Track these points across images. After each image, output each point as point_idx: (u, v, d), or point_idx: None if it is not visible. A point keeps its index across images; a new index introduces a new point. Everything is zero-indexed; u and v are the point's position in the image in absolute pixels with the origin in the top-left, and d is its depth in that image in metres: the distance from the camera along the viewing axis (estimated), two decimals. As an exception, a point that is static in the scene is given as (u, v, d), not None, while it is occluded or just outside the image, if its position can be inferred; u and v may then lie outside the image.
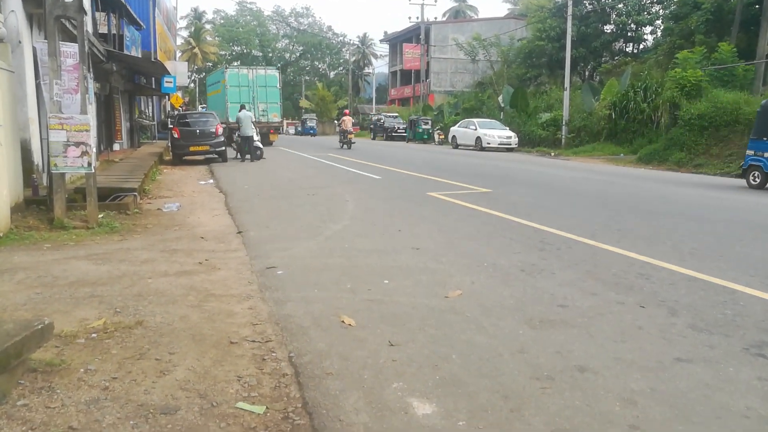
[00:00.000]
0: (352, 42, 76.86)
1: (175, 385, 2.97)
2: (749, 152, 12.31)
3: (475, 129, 27.84)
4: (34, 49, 8.21)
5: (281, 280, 4.94)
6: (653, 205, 9.31)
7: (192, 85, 59.59)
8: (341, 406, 2.81)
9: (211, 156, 18.36)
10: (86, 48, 7.54)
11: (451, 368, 3.22)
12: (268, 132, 25.40)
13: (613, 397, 2.91)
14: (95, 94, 13.26)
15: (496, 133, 27.07)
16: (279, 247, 6.20)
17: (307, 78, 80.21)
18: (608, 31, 35.34)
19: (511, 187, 11.76)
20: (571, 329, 3.81)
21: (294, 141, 37.60)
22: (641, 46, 36.52)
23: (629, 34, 35.58)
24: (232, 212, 8.60)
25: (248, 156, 18.34)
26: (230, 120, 21.78)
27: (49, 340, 3.20)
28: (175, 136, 17.85)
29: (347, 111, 32.30)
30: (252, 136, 18.33)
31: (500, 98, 34.24)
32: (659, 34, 34.00)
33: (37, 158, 9.00)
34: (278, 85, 26.83)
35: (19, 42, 8.47)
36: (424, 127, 37.13)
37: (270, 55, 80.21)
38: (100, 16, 17.04)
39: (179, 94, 33.63)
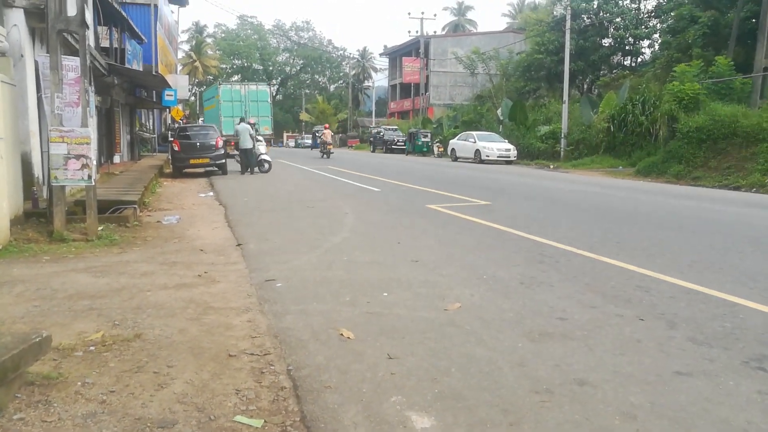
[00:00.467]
0: (352, 56, 77.38)
1: (173, 399, 2.96)
2: None
3: (474, 142, 27.94)
4: (36, 63, 8.27)
5: (280, 292, 4.94)
6: (652, 218, 9.32)
7: (193, 98, 59.88)
8: (340, 419, 2.80)
9: (211, 168, 18.40)
10: (88, 62, 7.60)
11: (450, 381, 3.21)
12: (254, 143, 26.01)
13: (613, 410, 2.90)
14: (96, 107, 13.33)
15: (495, 145, 27.16)
16: (278, 259, 6.20)
17: (307, 91, 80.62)
18: (606, 45, 35.58)
19: (510, 199, 11.77)
20: (570, 342, 3.80)
21: (293, 154, 37.68)
22: (639, 60, 36.75)
23: (627, 47, 35.83)
24: (232, 225, 8.60)
25: (255, 169, 18.38)
26: (223, 133, 21.95)
27: (46, 353, 3.19)
28: (176, 148, 17.91)
29: (327, 125, 36.45)
30: (251, 149, 18.39)
31: (499, 111, 34.40)
32: (657, 47, 34.21)
33: (37, 171, 9.02)
34: (269, 100, 28.68)
35: (22, 56, 8.53)
36: (423, 139, 37.27)
37: (270, 68, 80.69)
38: (102, 30, 17.15)
39: (180, 107, 33.74)
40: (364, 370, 3.36)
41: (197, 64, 66.71)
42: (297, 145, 58.86)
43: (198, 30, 76.79)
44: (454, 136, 32.50)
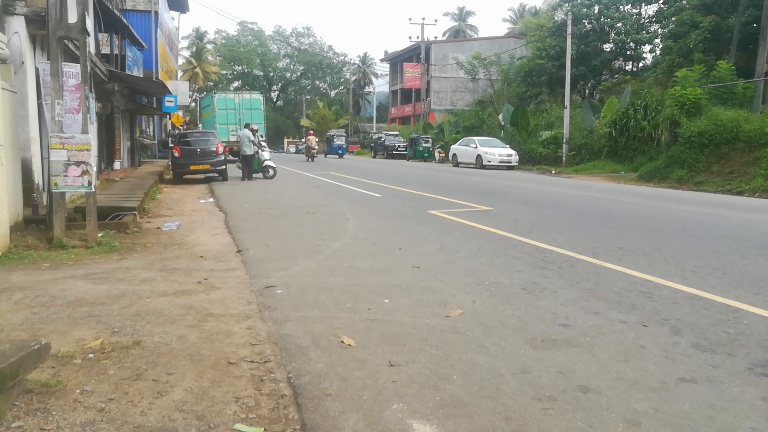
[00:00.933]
0: (352, 61, 77.63)
1: (172, 407, 2.93)
2: None
3: (476, 147, 27.95)
4: (37, 70, 8.27)
5: (280, 299, 4.91)
6: (655, 223, 9.29)
7: (193, 104, 60.02)
8: (340, 427, 2.77)
9: (211, 175, 18.41)
10: (88, 68, 7.60)
11: (452, 389, 3.18)
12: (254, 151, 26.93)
13: (617, 417, 2.86)
14: (97, 113, 13.34)
15: (497, 151, 27.17)
16: (278, 266, 6.17)
17: (308, 97, 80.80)
18: (607, 50, 35.67)
19: (512, 205, 11.75)
20: (573, 349, 3.77)
21: (294, 159, 37.71)
22: (640, 65, 36.83)
23: (628, 52, 35.91)
24: (232, 231, 8.59)
25: (260, 174, 18.41)
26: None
27: (45, 360, 3.16)
28: (176, 154, 17.91)
29: (311, 132, 41.36)
30: (251, 155, 18.41)
31: (500, 116, 34.45)
32: (658, 52, 34.27)
33: (37, 177, 9.02)
34: (262, 108, 30.17)
35: (22, 63, 8.55)
36: (424, 145, 37.33)
37: (271, 74, 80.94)
38: (103, 36, 17.21)
39: (180, 113, 33.84)
40: (365, 377, 3.33)
41: (198, 70, 66.87)
42: (297, 151, 58.94)
43: (198, 36, 77.04)
44: (455, 141, 32.54)
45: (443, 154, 34.51)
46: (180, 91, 31.48)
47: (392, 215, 10.15)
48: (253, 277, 5.70)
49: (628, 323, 4.27)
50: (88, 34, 8.15)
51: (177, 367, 3.42)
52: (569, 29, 27.39)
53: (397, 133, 46.31)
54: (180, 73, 51.53)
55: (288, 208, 11.26)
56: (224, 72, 75.51)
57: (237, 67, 78.40)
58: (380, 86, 74.07)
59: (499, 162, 26.59)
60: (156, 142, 33.74)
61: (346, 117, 70.20)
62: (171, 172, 19.42)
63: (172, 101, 25.07)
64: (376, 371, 3.41)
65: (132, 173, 18.68)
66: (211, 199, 13.20)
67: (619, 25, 34.28)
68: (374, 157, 44.00)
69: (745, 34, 24.65)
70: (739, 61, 23.56)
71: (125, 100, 20.62)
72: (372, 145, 47.60)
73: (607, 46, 35.66)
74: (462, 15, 72.62)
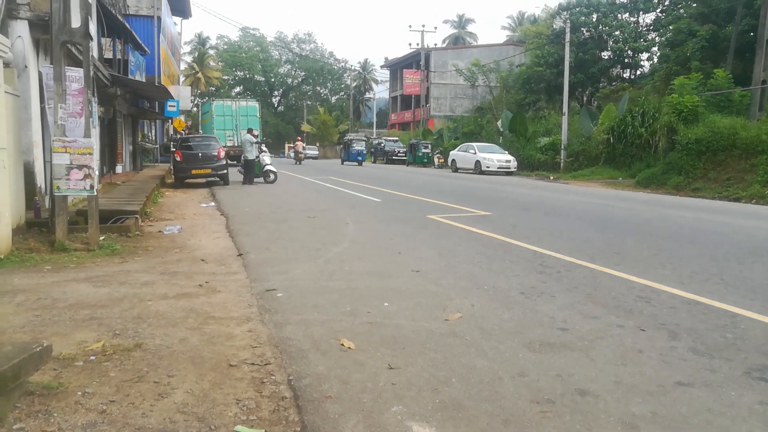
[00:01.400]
0: (353, 68, 77.77)
1: (173, 409, 2.96)
2: None
3: (475, 153, 28.04)
4: (40, 74, 8.33)
5: (281, 302, 4.94)
6: (652, 229, 9.33)
7: (195, 109, 60.13)
8: (340, 429, 2.80)
9: (212, 179, 18.45)
10: (91, 73, 7.65)
11: (451, 392, 3.20)
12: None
13: (615, 421, 2.89)
14: (99, 117, 13.40)
15: (496, 156, 27.25)
16: (279, 269, 6.20)
17: (308, 103, 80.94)
18: (605, 58, 35.83)
19: (511, 210, 11.79)
20: (571, 352, 3.79)
21: (293, 164, 37.75)
22: (638, 72, 36.96)
23: (626, 60, 36.06)
24: (233, 235, 8.61)
25: (261, 179, 18.47)
26: None
27: (47, 362, 3.19)
28: (178, 159, 17.97)
29: (299, 138, 43.45)
30: (253, 160, 18.47)
31: (499, 123, 34.57)
32: (656, 60, 34.42)
33: (40, 181, 9.05)
34: (258, 115, 31.54)
35: (25, 66, 8.60)
36: (423, 150, 37.42)
37: (272, 80, 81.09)
38: (106, 41, 17.29)
39: (182, 117, 33.92)
40: (365, 380, 3.35)
41: (200, 75, 67.06)
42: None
43: (201, 42, 77.22)
44: (454, 147, 32.64)
45: (442, 160, 34.60)
46: (182, 95, 31.59)
47: (392, 220, 10.19)
48: (253, 280, 5.73)
49: (625, 328, 4.30)
50: (92, 39, 8.21)
51: (178, 370, 3.44)
52: (568, 37, 27.53)
53: (396, 138, 46.43)
54: (182, 78, 51.74)
55: (289, 213, 11.29)
56: (226, 77, 75.67)
57: (239, 73, 78.59)
58: (380, 92, 74.31)
59: (498, 168, 26.66)
60: (158, 146, 33.80)
61: (347, 123, 70.30)
62: (173, 176, 19.46)
63: (174, 106, 25.16)
64: (376, 374, 3.44)
65: (134, 177, 18.71)
66: (213, 203, 13.23)
67: (617, 33, 34.45)
68: (374, 162, 44.06)
69: (741, 42, 24.78)
70: (735, 69, 23.68)
71: (128, 104, 20.69)
72: (372, 150, 47.69)
73: (605, 54, 35.82)
74: (461, 22, 72.90)
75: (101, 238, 7.53)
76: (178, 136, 29.33)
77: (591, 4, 35.05)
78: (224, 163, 18.13)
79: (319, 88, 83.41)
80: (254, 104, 32.59)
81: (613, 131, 23.61)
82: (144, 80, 20.92)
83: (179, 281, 5.66)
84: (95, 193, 7.40)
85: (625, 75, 37.46)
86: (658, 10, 34.67)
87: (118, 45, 17.86)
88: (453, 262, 6.62)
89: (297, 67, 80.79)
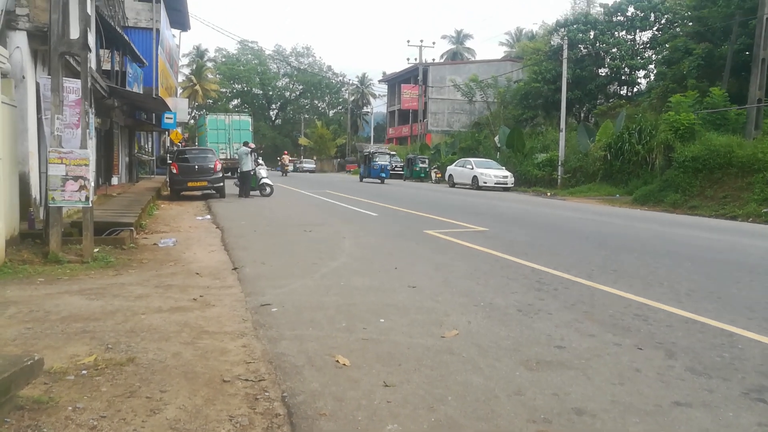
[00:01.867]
0: (351, 82, 78.23)
1: (165, 425, 2.91)
2: None
3: (472, 168, 28.11)
4: (37, 84, 8.32)
5: (276, 317, 4.90)
6: (650, 246, 9.33)
7: (192, 121, 60.27)
8: (334, 448, 2.75)
9: (209, 192, 18.42)
10: (89, 84, 7.66)
11: (446, 410, 3.17)
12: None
13: (612, 441, 2.85)
14: (96, 129, 13.39)
15: (493, 172, 27.33)
16: (274, 284, 6.16)
17: (306, 116, 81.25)
18: (603, 74, 36.13)
19: (508, 226, 11.79)
20: (568, 371, 3.76)
21: (290, 177, 37.78)
22: (635, 89, 37.26)
23: (623, 77, 36.37)
24: (228, 248, 8.58)
25: (257, 192, 18.45)
26: None
27: (38, 376, 3.14)
28: (174, 171, 17.95)
29: (285, 152, 44.20)
30: (248, 172, 18.48)
31: (497, 138, 34.71)
32: (652, 78, 34.73)
33: (35, 192, 9.01)
34: (250, 129, 32.93)
35: (23, 77, 8.60)
36: (421, 165, 37.53)
37: (270, 93, 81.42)
38: (104, 53, 17.34)
39: (179, 130, 34.04)
40: (360, 397, 3.31)
41: (197, 87, 67.30)
42: (295, 169, 59.15)
43: (199, 54, 77.63)
44: (451, 162, 32.73)
45: (439, 175, 34.68)
46: (179, 108, 31.74)
47: (388, 234, 10.17)
48: (248, 294, 5.69)
49: (622, 346, 4.27)
50: (90, 50, 8.22)
51: (171, 385, 3.40)
52: (565, 53, 27.77)
53: (394, 153, 46.53)
54: (180, 91, 51.86)
55: (284, 226, 11.26)
56: (224, 90, 75.97)
57: (236, 86, 78.91)
58: (378, 107, 74.65)
59: (495, 183, 26.72)
60: (154, 158, 33.83)
61: (344, 136, 70.56)
62: (168, 189, 19.43)
63: (171, 118, 25.19)
64: (371, 391, 3.40)
65: (129, 189, 18.68)
66: (208, 216, 13.19)
67: (614, 50, 34.77)
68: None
69: (737, 61, 25.04)
70: (731, 87, 23.89)
71: (125, 116, 20.72)
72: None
73: (603, 71, 36.13)
74: (459, 38, 73.52)
75: (95, 250, 7.48)
76: (175, 148, 29.37)
77: (588, 22, 35.45)
78: (220, 175, 18.13)
79: (316, 102, 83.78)
80: (247, 118, 34.03)
81: (611, 148, 23.73)
82: (141, 92, 20.97)
83: (173, 295, 5.61)
84: (90, 205, 7.37)
85: (622, 92, 37.77)
86: (655, 28, 35.07)
87: (116, 56, 17.92)
88: (450, 278, 6.59)
89: (295, 80, 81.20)
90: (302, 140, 72.19)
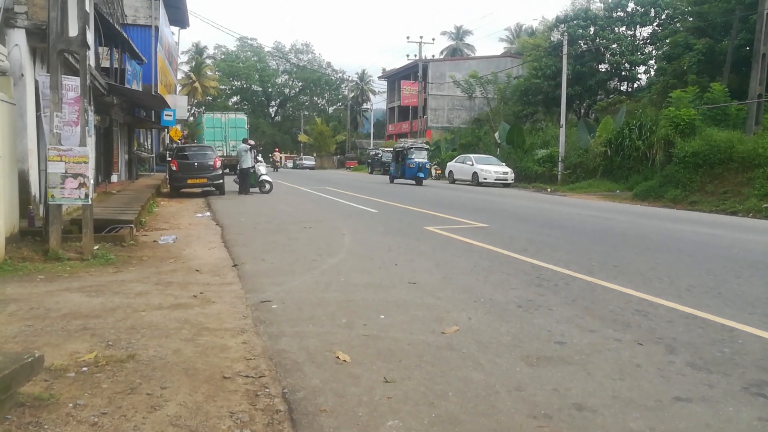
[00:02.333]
0: (350, 78, 78.08)
1: (166, 421, 2.91)
2: None
3: (472, 164, 28.08)
4: (36, 82, 8.31)
5: (276, 314, 4.90)
6: (650, 242, 9.33)
7: (191, 118, 60.20)
8: (335, 444, 2.75)
9: (208, 189, 18.42)
10: (88, 82, 7.64)
11: (447, 406, 3.17)
12: (237, 164, 28.84)
13: (612, 437, 2.85)
14: (95, 126, 13.37)
15: (493, 168, 27.31)
16: (274, 280, 6.16)
17: (306, 113, 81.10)
18: (603, 70, 36.04)
19: (508, 222, 11.78)
20: (568, 366, 3.76)
21: (290, 174, 37.75)
22: (635, 85, 37.20)
23: (623, 73, 36.28)
24: (228, 245, 8.57)
25: (256, 189, 18.46)
26: None
27: (38, 373, 3.14)
28: (173, 168, 17.94)
29: (277, 149, 45.48)
30: (248, 169, 18.48)
31: (497, 134, 34.66)
32: (653, 73, 34.68)
33: (34, 189, 9.00)
34: (246, 126, 33.75)
35: (22, 75, 8.58)
36: (421, 161, 37.42)
37: (270, 90, 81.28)
38: (103, 50, 17.30)
39: (178, 127, 34.03)
40: (361, 393, 3.32)
41: (197, 85, 67.19)
42: (295, 166, 59.18)
43: (198, 51, 77.42)
44: (451, 158, 32.69)
45: (439, 171, 34.65)
46: (179, 105, 31.72)
47: (388, 231, 10.17)
48: (248, 291, 5.69)
49: (623, 341, 4.27)
50: (89, 48, 8.21)
51: (171, 381, 3.40)
52: (565, 49, 27.72)
53: (428, 148, 46.44)
54: (179, 88, 51.81)
55: (284, 223, 11.26)
56: (223, 87, 75.85)
57: (236, 83, 78.79)
58: (378, 103, 74.51)
59: (495, 179, 26.70)
60: (154, 155, 33.82)
61: (344, 133, 70.48)
62: (168, 186, 19.42)
63: (170, 115, 25.17)
64: (372, 387, 3.40)
65: (129, 186, 18.67)
66: (208, 213, 13.19)
67: (614, 46, 34.69)
68: (371, 172, 44.15)
69: (738, 56, 24.99)
70: (732, 83, 23.85)
71: (124, 113, 20.67)
72: (369, 161, 47.78)
73: (603, 67, 36.04)
74: (459, 34, 73.34)
75: (95, 247, 7.48)
76: (174, 145, 29.36)
77: (588, 17, 35.34)
78: (220, 172, 18.12)
79: (316, 99, 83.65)
80: (242, 116, 34.90)
81: (611, 144, 23.71)
82: (141, 89, 20.93)
83: (174, 292, 5.61)
84: (90, 202, 7.37)
85: (622, 88, 37.70)
86: (655, 24, 34.99)
87: (115, 54, 17.88)
88: (450, 274, 6.60)
89: (294, 77, 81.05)
90: (302, 137, 72.11)
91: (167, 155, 25.41)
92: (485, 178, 26.80)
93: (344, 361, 3.81)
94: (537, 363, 3.82)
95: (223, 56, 79.01)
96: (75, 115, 7.36)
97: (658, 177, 19.68)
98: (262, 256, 7.60)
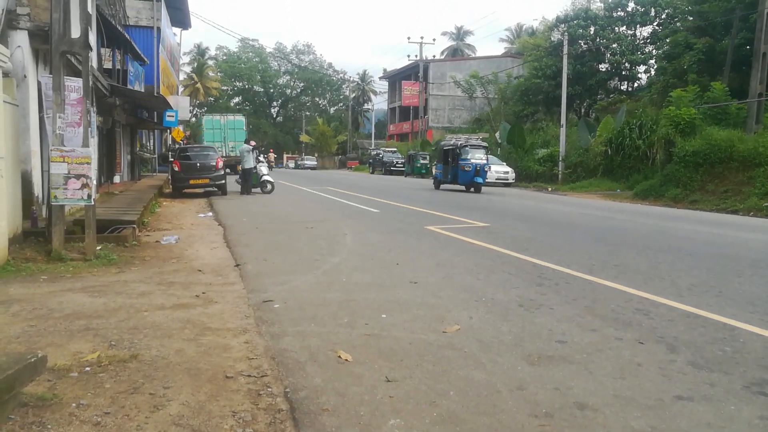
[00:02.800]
0: (352, 79, 78.06)
1: (169, 421, 2.93)
2: None
3: (474, 164, 28.04)
4: (39, 84, 8.33)
5: (278, 314, 4.91)
6: (651, 241, 9.33)
7: (194, 119, 60.22)
8: (337, 443, 2.77)
9: (210, 189, 18.44)
10: (90, 83, 7.66)
11: (448, 405, 3.18)
12: (235, 164, 29.12)
13: (613, 435, 2.86)
14: (98, 127, 13.40)
15: (494, 168, 27.29)
16: (276, 280, 6.18)
17: (307, 113, 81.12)
18: (603, 70, 36.04)
19: (509, 221, 11.79)
20: (570, 365, 3.77)
21: (292, 174, 37.77)
22: (636, 85, 37.19)
23: (624, 72, 36.28)
24: (230, 245, 8.59)
25: (258, 189, 18.47)
26: None
27: (41, 373, 3.15)
28: (176, 169, 17.97)
29: (271, 150, 45.98)
30: (250, 169, 18.50)
31: (497, 134, 34.67)
32: (653, 73, 34.67)
33: (37, 190, 9.03)
34: (244, 128, 35.10)
35: (25, 76, 8.60)
36: (422, 161, 37.49)
37: (271, 90, 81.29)
38: (105, 51, 17.34)
39: (180, 128, 34.08)
40: (362, 392, 3.33)
41: (199, 85, 67.22)
42: (297, 167, 59.22)
43: (200, 52, 77.44)
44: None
45: (441, 171, 34.61)
46: (181, 106, 31.70)
47: (390, 231, 10.18)
48: (251, 291, 5.70)
49: (624, 340, 4.28)
50: (91, 49, 8.23)
51: (174, 381, 3.42)
52: (566, 49, 27.71)
53: (395, 149, 46.55)
54: (181, 89, 51.84)
55: (286, 223, 11.28)
56: (225, 88, 75.86)
57: (238, 83, 78.80)
58: (379, 103, 74.50)
59: (496, 179, 26.71)
60: (156, 156, 33.85)
61: (345, 133, 70.50)
62: (170, 186, 19.44)
63: (172, 116, 25.19)
64: (373, 387, 3.41)
65: (132, 187, 18.70)
66: (210, 214, 13.21)
67: (614, 45, 34.69)
68: (372, 173, 44.15)
69: (738, 56, 24.97)
70: (732, 82, 23.84)
71: (126, 114, 20.71)
72: (370, 161, 47.81)
73: (603, 66, 36.04)
74: (460, 34, 73.27)
75: (98, 247, 7.50)
76: (177, 146, 29.39)
77: (589, 17, 35.32)
78: (222, 173, 18.15)
79: (317, 99, 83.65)
80: (241, 118, 36.41)
81: (611, 143, 23.71)
82: (143, 90, 20.97)
83: (176, 292, 5.63)
84: (92, 203, 7.39)
85: (622, 87, 37.69)
86: (655, 23, 34.97)
87: (117, 55, 17.92)
88: (451, 273, 6.61)
89: (296, 78, 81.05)
90: (303, 137, 72.14)
91: (169, 156, 25.45)
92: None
93: (346, 360, 3.82)
94: (538, 362, 3.83)
95: (224, 57, 79.03)
96: (77, 116, 7.38)
97: (658, 176, 19.68)
98: (264, 256, 7.62)
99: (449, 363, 3.80)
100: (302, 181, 28.91)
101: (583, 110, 37.73)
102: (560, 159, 26.56)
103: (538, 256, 7.63)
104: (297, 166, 59.54)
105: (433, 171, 24.40)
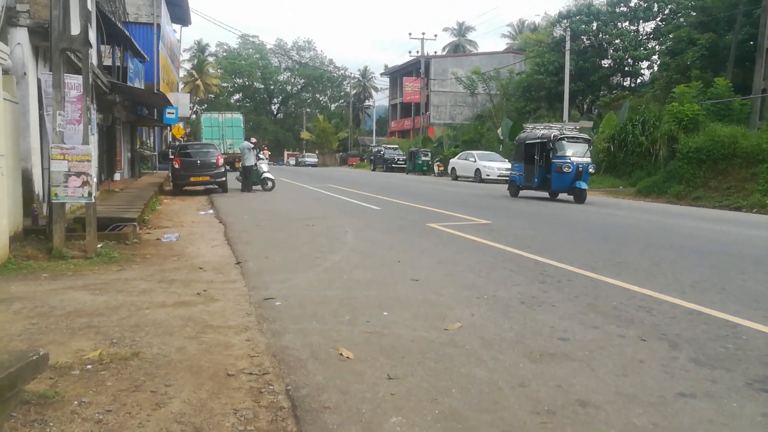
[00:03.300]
0: (353, 75, 77.94)
1: (170, 418, 2.92)
2: None
3: (475, 161, 28.06)
4: (39, 81, 8.32)
5: (279, 311, 4.91)
6: (653, 238, 9.31)
7: (194, 116, 60.22)
8: (339, 441, 2.76)
9: (211, 186, 18.44)
10: (90, 80, 7.65)
11: (450, 402, 3.17)
12: (233, 161, 29.26)
13: (616, 433, 2.86)
14: (98, 124, 13.39)
15: (496, 164, 27.28)
16: (277, 278, 6.17)
17: (308, 110, 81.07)
18: (606, 66, 35.98)
19: (511, 218, 11.77)
20: (572, 363, 3.76)
21: (293, 171, 37.78)
22: (638, 81, 37.10)
23: (626, 68, 36.22)
24: (231, 243, 8.59)
25: (258, 186, 18.47)
26: None
27: (43, 371, 3.15)
28: (176, 166, 17.97)
29: (266, 148, 48.65)
30: (251, 167, 18.50)
31: (499, 131, 34.61)
32: (656, 68, 34.58)
33: (37, 188, 9.03)
34: (242, 125, 36.28)
35: (24, 74, 8.60)
36: (423, 158, 37.44)
37: (272, 87, 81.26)
38: (105, 48, 17.32)
39: (181, 125, 34.14)
40: (364, 390, 3.32)
41: (199, 82, 67.17)
42: (297, 164, 59.21)
43: (200, 49, 77.37)
44: (454, 155, 32.65)
45: (442, 168, 34.62)
46: (181, 103, 31.69)
47: (391, 228, 10.17)
48: (252, 289, 5.70)
49: (626, 338, 4.27)
50: (91, 46, 8.21)
51: (175, 379, 3.41)
52: (568, 45, 27.66)
53: (396, 146, 46.48)
54: (181, 86, 51.81)
55: (287, 221, 11.27)
56: (225, 84, 75.83)
57: (238, 80, 78.77)
58: (380, 100, 74.44)
59: (498, 176, 26.66)
60: (156, 153, 33.85)
61: (346, 130, 70.44)
62: (171, 184, 19.44)
63: (173, 113, 25.20)
64: (375, 384, 3.41)
65: (132, 184, 18.70)
66: (211, 211, 13.21)
67: (617, 41, 34.61)
68: (374, 170, 44.10)
69: (741, 51, 24.90)
70: (736, 78, 23.78)
71: (126, 111, 20.69)
72: (371, 158, 47.77)
73: (606, 62, 35.98)
74: (461, 30, 73.15)
75: (99, 245, 7.50)
76: (177, 143, 29.40)
77: (591, 13, 35.24)
78: (223, 170, 18.14)
79: (318, 96, 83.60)
80: (239, 116, 37.54)
81: (614, 139, 23.64)
82: (143, 87, 20.96)
83: (177, 289, 5.63)
84: (93, 201, 7.38)
85: (625, 83, 37.62)
86: (658, 19, 34.88)
87: (117, 52, 17.90)
88: (453, 271, 6.60)
89: (296, 74, 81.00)
90: (304, 134, 72.12)
91: (170, 153, 25.46)
92: (488, 175, 26.78)
93: (347, 357, 3.82)
94: (540, 359, 3.82)
95: (225, 54, 78.99)
96: (77, 114, 7.37)
97: (661, 173, 19.62)
98: (265, 254, 7.61)
99: (451, 360, 3.79)
100: (303, 178, 28.90)
101: (585, 106, 37.67)
102: (562, 155, 26.48)
103: (540, 253, 7.62)
104: (298, 164, 59.52)
105: (509, 173, 19.03)
